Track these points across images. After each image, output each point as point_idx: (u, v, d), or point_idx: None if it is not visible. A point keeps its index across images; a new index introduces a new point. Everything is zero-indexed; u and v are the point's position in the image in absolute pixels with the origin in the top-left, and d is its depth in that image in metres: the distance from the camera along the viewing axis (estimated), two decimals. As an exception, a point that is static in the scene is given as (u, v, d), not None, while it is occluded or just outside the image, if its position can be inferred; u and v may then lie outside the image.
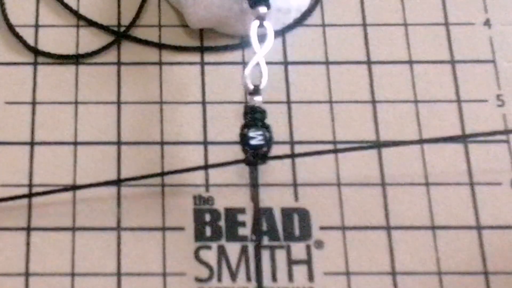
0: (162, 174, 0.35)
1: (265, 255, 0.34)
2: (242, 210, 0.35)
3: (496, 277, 0.34)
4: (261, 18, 0.35)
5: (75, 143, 0.36)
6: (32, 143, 0.36)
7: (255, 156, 0.33)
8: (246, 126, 0.33)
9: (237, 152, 0.35)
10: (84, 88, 0.38)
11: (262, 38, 0.35)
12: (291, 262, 0.34)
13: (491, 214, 0.35)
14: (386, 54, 0.39)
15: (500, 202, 0.35)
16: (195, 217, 0.35)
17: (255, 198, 0.34)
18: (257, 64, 0.34)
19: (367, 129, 0.37)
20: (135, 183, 0.35)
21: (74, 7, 0.40)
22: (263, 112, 0.34)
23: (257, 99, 0.34)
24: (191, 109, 0.37)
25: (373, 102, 0.37)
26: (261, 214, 0.34)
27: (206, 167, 0.36)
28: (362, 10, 0.40)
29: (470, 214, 0.35)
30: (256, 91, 0.34)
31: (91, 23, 0.39)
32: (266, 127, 0.33)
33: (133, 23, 0.39)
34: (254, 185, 0.34)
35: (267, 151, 0.33)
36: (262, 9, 0.35)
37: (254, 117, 0.33)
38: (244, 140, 0.33)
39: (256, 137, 0.33)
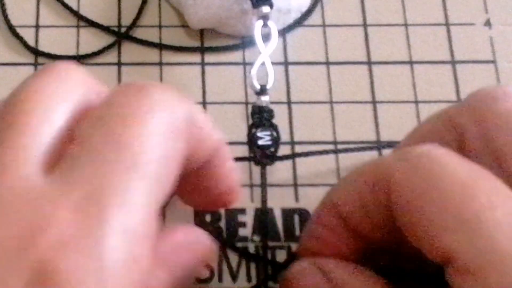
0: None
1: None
2: (242, 211, 0.35)
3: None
4: (264, 17, 0.35)
5: (76, 144, 0.36)
6: (32, 144, 0.36)
7: (262, 156, 0.33)
8: (254, 126, 0.34)
9: (238, 152, 0.35)
10: (84, 88, 0.38)
11: (264, 38, 0.35)
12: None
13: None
14: (387, 54, 0.39)
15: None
16: (195, 218, 0.35)
17: (263, 197, 0.34)
18: (262, 64, 0.34)
19: (367, 130, 0.37)
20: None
21: (75, 7, 0.40)
22: (270, 112, 0.34)
23: (264, 98, 0.34)
24: (192, 109, 0.37)
25: (374, 102, 0.37)
26: (265, 214, 0.34)
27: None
28: (362, 11, 0.40)
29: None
30: (263, 90, 0.34)
31: (91, 24, 0.39)
32: (273, 127, 0.34)
33: (133, 24, 0.39)
34: (263, 185, 0.34)
35: (274, 151, 0.33)
36: (265, 9, 0.35)
37: (261, 117, 0.34)
38: (252, 140, 0.33)
39: (263, 137, 0.33)
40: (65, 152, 0.21)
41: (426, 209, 0.23)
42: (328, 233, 0.27)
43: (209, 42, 0.39)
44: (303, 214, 0.35)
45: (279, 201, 0.35)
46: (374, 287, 0.25)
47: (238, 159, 0.35)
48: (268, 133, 0.34)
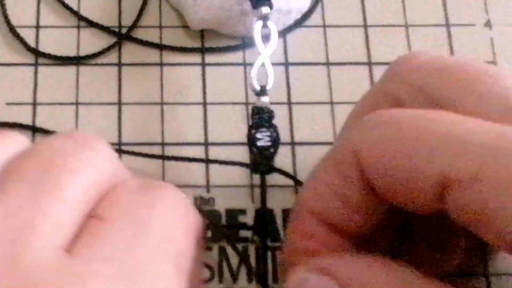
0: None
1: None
2: (243, 211, 0.35)
3: (497, 278, 0.34)
4: (264, 18, 0.35)
5: (76, 144, 0.36)
6: (32, 144, 0.36)
7: (262, 157, 0.33)
8: (253, 127, 0.34)
9: (238, 153, 0.35)
10: (84, 89, 0.38)
11: (263, 38, 0.35)
12: (292, 263, 0.34)
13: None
14: (387, 55, 0.39)
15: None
16: (195, 218, 0.35)
17: (262, 200, 0.34)
18: (262, 64, 0.34)
19: (368, 130, 0.37)
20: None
21: (75, 8, 0.40)
22: (270, 113, 0.34)
23: (264, 99, 0.34)
24: (192, 110, 0.37)
25: (374, 103, 0.37)
26: (265, 215, 0.34)
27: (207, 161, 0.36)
28: (363, 11, 0.40)
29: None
30: (262, 91, 0.34)
31: (92, 24, 0.39)
32: (273, 128, 0.34)
33: (134, 24, 0.39)
34: (262, 187, 0.34)
35: (273, 152, 0.33)
36: (265, 9, 0.35)
37: (261, 117, 0.34)
38: (251, 141, 0.33)
39: (263, 138, 0.33)
40: (88, 229, 0.21)
41: (405, 160, 0.23)
42: (311, 238, 0.26)
43: (209, 43, 0.39)
44: (304, 215, 0.35)
45: (279, 201, 0.35)
46: (377, 273, 0.24)
47: (236, 163, 0.35)
48: (268, 134, 0.34)
